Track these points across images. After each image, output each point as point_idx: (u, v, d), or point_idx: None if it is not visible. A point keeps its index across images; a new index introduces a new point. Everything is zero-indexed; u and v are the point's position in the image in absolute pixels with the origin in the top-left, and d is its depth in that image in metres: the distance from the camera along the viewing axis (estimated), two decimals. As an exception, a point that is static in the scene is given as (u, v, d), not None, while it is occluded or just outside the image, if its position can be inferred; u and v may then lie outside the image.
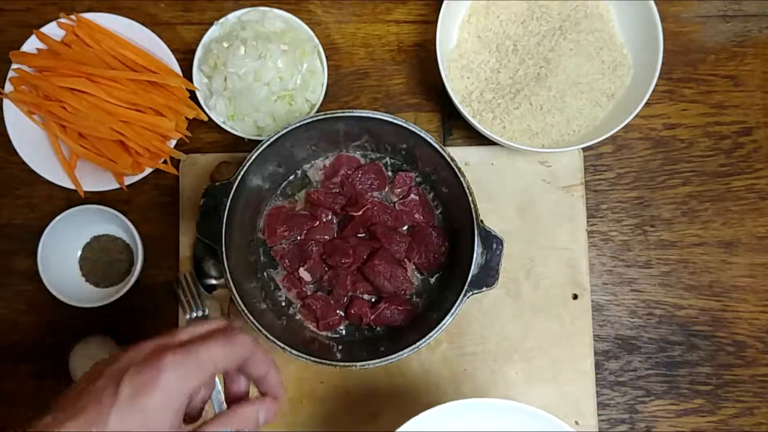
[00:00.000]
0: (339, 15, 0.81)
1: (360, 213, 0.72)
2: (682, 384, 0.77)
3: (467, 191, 0.66)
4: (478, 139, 0.77)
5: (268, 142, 0.66)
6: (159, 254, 0.77)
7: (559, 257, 0.77)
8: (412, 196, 0.74)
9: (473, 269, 0.65)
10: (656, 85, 0.70)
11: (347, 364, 0.65)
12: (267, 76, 0.73)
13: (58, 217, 0.72)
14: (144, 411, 0.39)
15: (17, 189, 0.78)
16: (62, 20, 0.74)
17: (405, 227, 0.74)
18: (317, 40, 0.76)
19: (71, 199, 0.76)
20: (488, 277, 0.66)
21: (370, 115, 0.67)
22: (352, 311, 0.72)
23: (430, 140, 0.66)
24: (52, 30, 0.74)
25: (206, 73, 0.76)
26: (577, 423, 0.74)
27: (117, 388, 0.40)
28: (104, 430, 0.39)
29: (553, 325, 0.76)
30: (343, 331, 0.73)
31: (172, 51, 0.75)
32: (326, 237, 0.74)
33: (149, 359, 0.41)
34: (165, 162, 0.75)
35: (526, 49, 0.76)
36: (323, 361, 0.65)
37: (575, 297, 0.76)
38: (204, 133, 0.78)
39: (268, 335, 0.65)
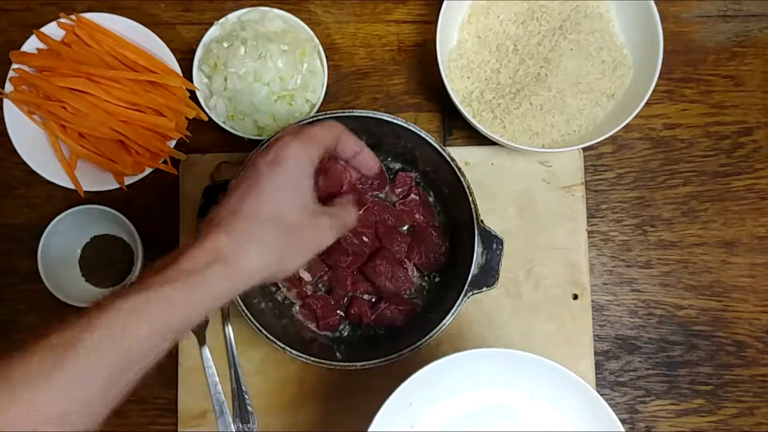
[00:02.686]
0: (339, 15, 0.81)
1: (360, 213, 0.72)
2: (682, 384, 0.77)
3: (467, 191, 0.66)
4: (478, 139, 0.77)
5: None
6: (159, 254, 0.76)
7: (559, 257, 0.77)
8: (413, 196, 0.74)
9: (473, 269, 0.65)
10: (656, 85, 0.70)
11: (347, 364, 0.65)
12: (267, 76, 0.73)
13: (58, 217, 0.72)
14: (285, 173, 0.49)
15: (17, 189, 0.78)
16: (62, 20, 0.74)
17: (405, 227, 0.74)
18: (317, 40, 0.76)
19: (71, 199, 0.76)
20: (488, 277, 0.66)
21: (370, 115, 0.67)
22: (352, 311, 0.72)
23: (430, 140, 0.67)
24: (52, 30, 0.74)
25: (206, 73, 0.76)
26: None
27: (257, 167, 0.49)
28: (263, 194, 0.48)
29: (553, 325, 0.76)
30: (344, 332, 0.73)
31: (172, 51, 0.75)
32: (326, 237, 0.73)
33: (273, 141, 0.52)
34: (165, 162, 0.75)
35: (526, 49, 0.76)
36: (323, 361, 0.65)
37: (575, 297, 0.76)
38: (204, 133, 0.78)
39: (268, 335, 0.65)
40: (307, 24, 0.76)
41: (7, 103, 0.74)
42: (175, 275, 0.44)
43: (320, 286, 0.74)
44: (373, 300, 0.73)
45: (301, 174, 0.50)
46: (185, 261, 0.44)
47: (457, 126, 0.80)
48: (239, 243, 0.46)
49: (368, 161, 0.58)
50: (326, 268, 0.73)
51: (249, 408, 0.73)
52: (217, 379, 0.73)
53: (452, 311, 0.64)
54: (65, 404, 0.39)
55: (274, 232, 0.48)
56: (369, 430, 0.56)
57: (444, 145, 0.67)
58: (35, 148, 0.74)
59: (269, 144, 0.51)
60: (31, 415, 0.38)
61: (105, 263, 0.77)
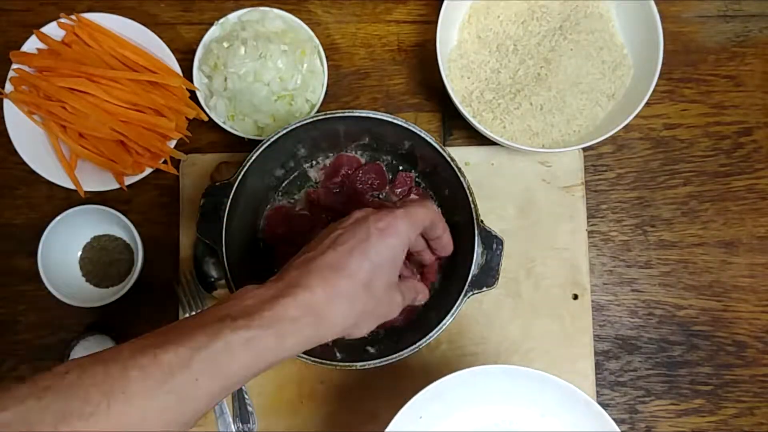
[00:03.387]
0: (339, 15, 0.81)
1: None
2: (683, 384, 0.77)
3: (467, 191, 0.66)
4: (478, 139, 0.77)
5: (268, 142, 0.66)
6: (159, 254, 0.77)
7: (559, 257, 0.77)
8: (413, 196, 0.74)
9: (473, 269, 0.65)
10: (656, 85, 0.70)
11: (347, 364, 0.65)
12: (267, 76, 0.73)
13: (58, 217, 0.72)
14: (389, 247, 0.51)
15: (17, 189, 0.78)
16: (62, 20, 0.74)
17: (405, 227, 0.74)
18: (317, 40, 0.76)
19: (71, 199, 0.76)
20: (488, 277, 0.65)
21: (371, 115, 0.67)
22: (352, 311, 0.72)
23: (430, 140, 0.66)
24: (52, 30, 0.74)
25: (206, 73, 0.76)
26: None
27: (368, 228, 0.50)
28: (368, 259, 0.49)
29: (553, 325, 0.76)
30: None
31: (172, 51, 0.75)
32: (326, 237, 0.73)
33: (386, 211, 0.52)
34: (165, 162, 0.75)
35: (527, 49, 0.76)
36: (323, 361, 0.65)
37: (575, 297, 0.76)
38: (204, 133, 0.78)
39: (268, 335, 0.65)
40: (307, 24, 0.76)
41: (7, 103, 0.74)
42: (271, 322, 0.45)
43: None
44: (373, 300, 0.73)
45: (400, 250, 0.52)
46: (282, 309, 0.45)
47: (457, 126, 0.80)
48: (333, 300, 0.47)
49: (447, 244, 0.61)
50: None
51: (249, 408, 0.73)
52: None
53: (452, 311, 0.64)
54: (156, 423, 0.40)
55: (363, 297, 0.49)
56: None
57: (444, 145, 0.67)
58: (35, 148, 0.74)
59: (379, 213, 0.52)
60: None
61: (105, 263, 0.77)
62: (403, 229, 0.51)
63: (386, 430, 0.57)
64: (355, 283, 0.49)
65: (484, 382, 0.59)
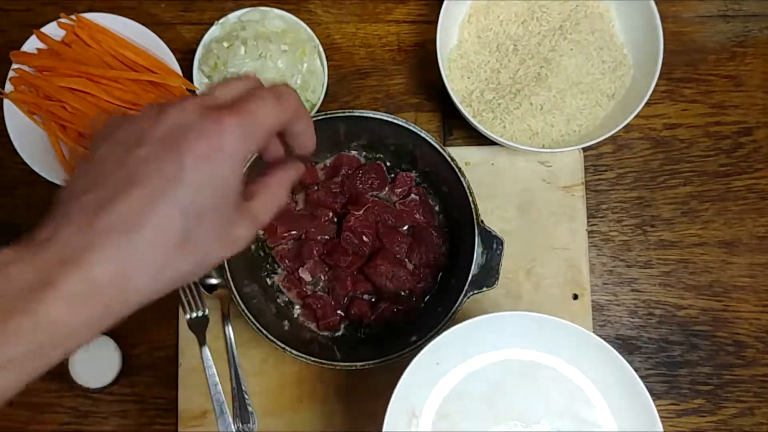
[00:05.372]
0: (339, 15, 0.81)
1: (362, 212, 0.72)
2: (683, 384, 0.77)
3: (467, 191, 0.66)
4: (478, 139, 0.77)
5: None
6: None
7: (559, 257, 0.77)
8: (413, 196, 0.74)
9: (473, 269, 0.65)
10: (656, 85, 0.70)
11: (347, 364, 0.65)
12: (267, 76, 0.73)
13: (58, 217, 0.72)
14: (213, 180, 0.35)
15: (17, 189, 0.78)
16: (62, 20, 0.74)
17: (405, 227, 0.74)
18: (317, 40, 0.76)
19: (71, 199, 0.76)
20: (488, 277, 0.66)
21: (371, 115, 0.67)
22: (353, 311, 0.72)
23: (430, 140, 0.67)
24: (53, 30, 0.74)
25: (206, 73, 0.76)
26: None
27: (179, 157, 0.34)
28: (179, 207, 0.34)
29: (554, 325, 0.76)
30: (344, 332, 0.73)
31: (172, 51, 0.75)
32: (326, 237, 0.74)
33: (207, 123, 0.35)
34: (165, 162, 0.75)
35: (527, 49, 0.76)
36: (324, 361, 0.65)
37: (575, 297, 0.76)
38: (204, 133, 0.78)
39: (269, 335, 0.65)
40: (307, 24, 0.76)
41: (7, 103, 0.74)
42: (33, 329, 0.32)
43: (320, 286, 0.74)
44: (373, 300, 0.73)
45: (233, 175, 0.37)
46: (50, 304, 0.32)
47: (457, 126, 0.80)
48: (128, 276, 0.35)
49: (309, 140, 0.43)
50: (326, 268, 0.73)
51: (249, 408, 0.73)
52: (217, 379, 0.73)
53: (452, 311, 0.64)
54: None
55: (177, 261, 0.36)
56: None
57: (444, 145, 0.67)
58: (35, 148, 0.74)
59: (200, 123, 0.35)
60: None
61: (105, 263, 0.76)
62: (236, 146, 0.36)
63: (402, 377, 0.56)
64: (160, 247, 0.34)
65: (502, 327, 0.58)
